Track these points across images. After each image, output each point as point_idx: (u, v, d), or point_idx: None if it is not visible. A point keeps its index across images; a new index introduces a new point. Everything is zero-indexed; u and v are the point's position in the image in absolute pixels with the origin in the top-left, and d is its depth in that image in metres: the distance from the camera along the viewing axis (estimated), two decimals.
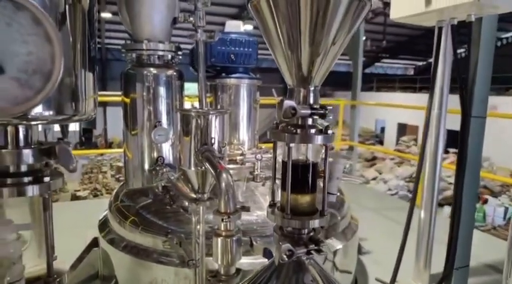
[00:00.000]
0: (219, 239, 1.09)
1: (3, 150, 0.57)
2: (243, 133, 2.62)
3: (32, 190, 0.59)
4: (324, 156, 0.60)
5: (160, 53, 2.36)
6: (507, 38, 23.95)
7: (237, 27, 2.64)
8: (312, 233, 0.62)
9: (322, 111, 0.57)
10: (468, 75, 2.21)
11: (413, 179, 2.62)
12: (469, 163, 2.33)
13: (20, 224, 0.57)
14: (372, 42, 22.71)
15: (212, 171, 1.19)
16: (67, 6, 0.61)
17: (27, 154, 0.59)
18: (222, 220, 1.08)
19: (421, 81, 22.94)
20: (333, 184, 0.65)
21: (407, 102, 18.39)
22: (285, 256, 0.57)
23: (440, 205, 11.12)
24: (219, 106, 2.59)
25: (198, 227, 1.58)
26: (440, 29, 2.25)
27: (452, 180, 13.74)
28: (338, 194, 2.65)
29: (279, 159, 2.05)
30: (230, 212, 1.08)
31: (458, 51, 2.17)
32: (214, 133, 1.42)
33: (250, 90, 2.64)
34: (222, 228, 1.10)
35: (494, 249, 3.44)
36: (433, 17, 2.13)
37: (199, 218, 1.52)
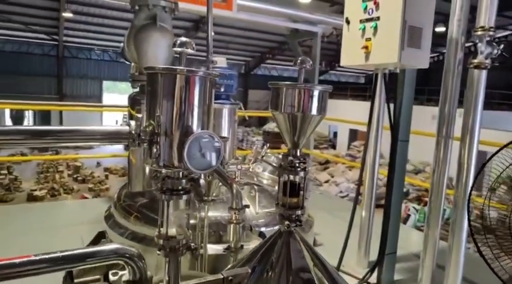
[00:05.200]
0: (232, 225, 1.74)
1: (176, 181, 1.14)
2: (226, 147, 3.24)
3: (185, 197, 1.18)
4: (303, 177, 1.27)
5: None
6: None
7: (222, 62, 3.27)
8: (297, 217, 1.28)
9: (304, 161, 1.24)
10: (395, 110, 2.99)
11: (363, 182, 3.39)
12: (397, 174, 3.12)
13: (185, 209, 1.14)
14: (328, 51, 24.02)
15: (224, 182, 1.82)
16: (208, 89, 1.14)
17: (183, 181, 1.18)
18: (234, 213, 1.72)
19: (372, 90, 24.49)
20: (307, 194, 1.30)
21: (358, 109, 19.87)
22: (285, 227, 1.23)
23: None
24: None
25: (203, 221, 2.19)
26: (377, 74, 3.02)
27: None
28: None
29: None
30: (239, 208, 1.73)
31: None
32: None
33: (231, 112, 3.27)
34: (233, 218, 1.74)
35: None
36: (371, 67, 2.90)
37: (205, 214, 2.14)
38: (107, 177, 17.83)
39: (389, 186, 3.14)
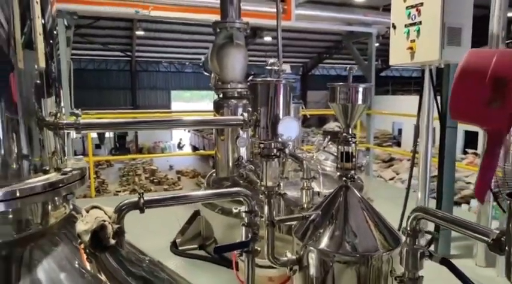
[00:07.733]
0: (304, 191, 2.34)
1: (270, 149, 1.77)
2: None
3: (276, 160, 1.80)
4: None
5: (239, 90, 3.63)
6: None
7: (286, 68, 3.88)
8: (351, 175, 1.83)
9: (354, 137, 1.79)
10: (442, 100, 3.40)
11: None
12: (447, 158, 3.51)
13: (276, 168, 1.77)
14: (387, 46, 23.66)
15: (297, 161, 2.42)
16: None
17: (274, 150, 1.81)
18: (305, 181, 2.32)
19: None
20: (359, 161, 1.85)
21: None
22: (344, 183, 1.79)
23: (458, 203, 12.03)
24: None
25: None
26: (423, 70, 3.45)
27: (469, 179, 13.95)
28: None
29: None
30: (308, 178, 2.32)
31: None
32: (292, 142, 2.66)
33: (295, 110, 3.87)
34: (305, 185, 2.34)
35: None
36: (417, 64, 3.34)
37: (282, 189, 2.74)
38: (179, 178, 19.27)
39: (440, 168, 3.54)
